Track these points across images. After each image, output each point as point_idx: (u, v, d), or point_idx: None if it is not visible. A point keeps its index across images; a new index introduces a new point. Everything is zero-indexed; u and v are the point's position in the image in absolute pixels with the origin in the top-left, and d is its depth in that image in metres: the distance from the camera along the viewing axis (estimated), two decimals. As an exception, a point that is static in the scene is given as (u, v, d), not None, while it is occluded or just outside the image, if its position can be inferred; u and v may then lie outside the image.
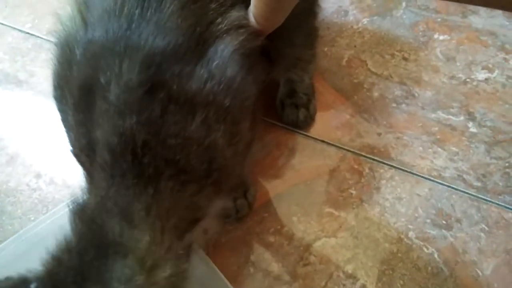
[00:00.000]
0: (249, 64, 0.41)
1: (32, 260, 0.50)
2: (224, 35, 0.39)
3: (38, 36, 0.81)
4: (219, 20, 0.40)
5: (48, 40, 0.80)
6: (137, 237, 0.34)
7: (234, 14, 0.41)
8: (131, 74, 0.34)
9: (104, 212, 0.35)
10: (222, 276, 0.48)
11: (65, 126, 0.40)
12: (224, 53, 0.38)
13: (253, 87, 0.42)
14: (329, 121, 0.66)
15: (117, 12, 0.36)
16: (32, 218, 0.59)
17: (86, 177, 0.38)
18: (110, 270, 0.33)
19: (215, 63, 0.37)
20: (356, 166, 0.62)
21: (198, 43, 0.37)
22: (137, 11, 0.36)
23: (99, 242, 0.34)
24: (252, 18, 0.42)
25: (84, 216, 0.35)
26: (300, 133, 0.65)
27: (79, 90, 0.37)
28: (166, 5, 0.37)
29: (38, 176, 0.63)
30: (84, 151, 0.38)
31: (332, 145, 0.64)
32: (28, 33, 0.82)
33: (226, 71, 0.38)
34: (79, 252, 0.34)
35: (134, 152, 0.34)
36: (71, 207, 0.36)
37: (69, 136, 0.40)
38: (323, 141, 0.64)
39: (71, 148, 0.40)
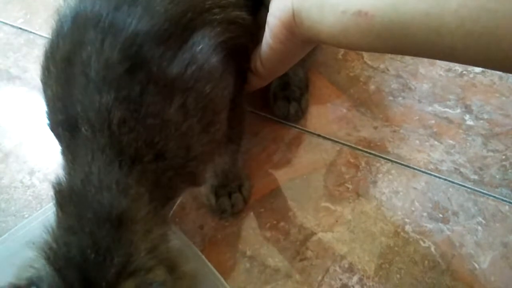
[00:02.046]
0: (233, 56, 0.41)
1: (27, 257, 0.49)
2: (215, 24, 0.40)
3: (30, 32, 0.80)
4: (216, 10, 0.40)
5: (41, 36, 0.79)
6: (137, 209, 0.35)
7: (234, 13, 0.41)
8: (112, 51, 0.34)
9: (93, 187, 0.35)
10: (215, 271, 0.48)
11: (45, 98, 0.40)
12: (211, 41, 0.38)
13: (233, 78, 0.42)
14: (325, 115, 0.66)
15: None
16: (26, 215, 0.59)
17: (64, 153, 0.38)
18: (126, 239, 0.34)
19: (199, 47, 0.37)
20: (352, 160, 0.61)
21: (185, 29, 0.37)
22: None
23: (103, 217, 0.34)
24: (258, 62, 0.43)
25: (72, 196, 0.35)
26: (296, 127, 0.65)
27: (61, 62, 0.37)
28: None
29: (31, 173, 0.63)
30: (62, 125, 0.37)
31: (329, 139, 0.63)
32: (20, 28, 0.81)
33: (210, 58, 0.38)
34: (86, 230, 0.33)
35: (111, 128, 0.35)
36: (56, 188, 0.36)
37: (48, 110, 0.40)
38: (319, 135, 0.64)
39: (47, 121, 0.40)
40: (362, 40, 0.34)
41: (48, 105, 0.40)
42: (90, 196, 0.34)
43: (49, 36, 0.40)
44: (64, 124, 0.37)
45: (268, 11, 0.41)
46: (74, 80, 0.36)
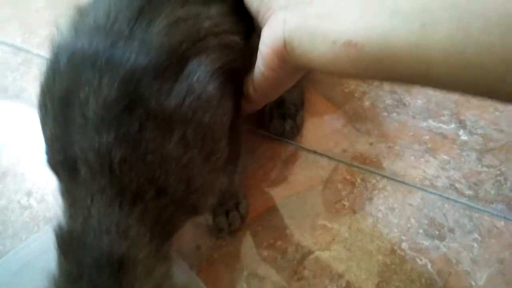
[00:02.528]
0: (230, 80, 0.41)
1: (25, 280, 0.49)
2: (210, 50, 0.40)
3: (28, 51, 0.81)
4: (210, 37, 0.40)
5: (39, 55, 0.80)
6: (138, 251, 0.35)
7: (228, 38, 0.41)
8: (110, 90, 0.34)
9: (93, 231, 0.34)
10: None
11: (44, 136, 0.40)
12: (207, 68, 0.39)
13: (231, 103, 0.42)
14: (321, 131, 0.66)
15: (107, 28, 0.37)
16: (24, 237, 0.59)
17: (64, 195, 0.38)
18: (128, 284, 0.34)
19: (196, 77, 0.37)
20: (348, 177, 0.62)
21: (181, 59, 0.37)
22: (126, 29, 0.36)
23: (102, 262, 0.34)
24: (250, 88, 0.43)
25: (72, 241, 0.35)
26: (293, 144, 0.65)
27: (59, 102, 0.37)
28: (155, 24, 0.37)
29: (29, 193, 0.63)
30: (61, 165, 0.37)
31: (324, 155, 0.64)
32: (18, 47, 0.82)
33: (207, 86, 0.38)
34: (86, 278, 0.33)
35: (112, 168, 0.34)
36: (57, 232, 0.36)
37: (46, 147, 0.40)
38: (315, 151, 0.64)
39: (46, 159, 0.40)
40: (352, 69, 0.34)
41: (46, 143, 0.39)
42: (89, 240, 0.34)
43: (44, 67, 0.39)
44: (64, 164, 0.37)
45: (259, 38, 0.41)
46: (72, 121, 0.36)
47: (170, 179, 0.37)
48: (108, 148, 0.34)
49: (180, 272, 0.48)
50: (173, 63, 0.37)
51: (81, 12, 0.40)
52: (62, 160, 0.37)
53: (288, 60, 0.39)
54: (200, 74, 0.38)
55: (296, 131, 0.65)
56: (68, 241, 0.35)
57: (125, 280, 0.33)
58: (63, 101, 0.37)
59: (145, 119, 0.35)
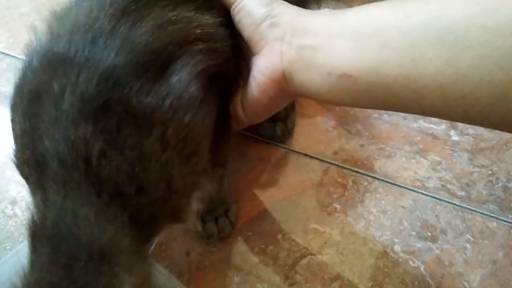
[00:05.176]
0: (215, 83, 0.40)
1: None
2: (195, 53, 0.39)
3: (13, 56, 0.80)
4: (198, 42, 0.39)
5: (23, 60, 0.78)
6: (120, 241, 0.34)
7: (216, 45, 0.40)
8: (89, 85, 0.33)
9: (70, 221, 0.33)
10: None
11: (13, 135, 0.38)
12: (191, 69, 0.38)
13: (215, 106, 0.41)
14: (311, 134, 0.66)
15: (87, 26, 0.35)
16: (9, 247, 0.57)
17: (33, 193, 0.36)
18: (110, 272, 0.33)
19: (178, 77, 0.36)
20: (340, 179, 0.61)
21: (165, 60, 0.36)
22: (108, 27, 0.35)
23: (82, 252, 0.32)
24: (239, 110, 0.43)
25: (46, 233, 0.33)
26: (283, 147, 0.65)
27: (29, 95, 0.35)
28: (141, 25, 0.36)
29: (13, 202, 0.61)
30: (28, 163, 0.36)
31: (315, 158, 0.63)
32: (3, 53, 0.80)
33: (189, 87, 0.37)
34: (63, 269, 0.32)
35: (88, 161, 0.33)
36: (30, 227, 0.34)
37: (15, 148, 0.38)
38: (306, 154, 0.64)
39: (14, 160, 0.38)
40: (348, 99, 0.36)
41: (15, 142, 0.38)
42: (66, 232, 0.33)
43: (18, 72, 0.38)
44: (30, 161, 0.35)
45: (243, 55, 0.41)
46: (43, 113, 0.34)
47: (149, 177, 0.35)
48: (85, 140, 0.33)
49: (161, 277, 0.47)
50: (157, 64, 0.36)
51: (58, 16, 0.38)
52: (29, 156, 0.35)
53: (287, 90, 0.39)
54: (183, 75, 0.37)
55: (287, 134, 0.65)
56: (42, 236, 0.33)
57: (108, 268, 0.32)
58: (34, 94, 0.35)
59: (124, 116, 0.34)
